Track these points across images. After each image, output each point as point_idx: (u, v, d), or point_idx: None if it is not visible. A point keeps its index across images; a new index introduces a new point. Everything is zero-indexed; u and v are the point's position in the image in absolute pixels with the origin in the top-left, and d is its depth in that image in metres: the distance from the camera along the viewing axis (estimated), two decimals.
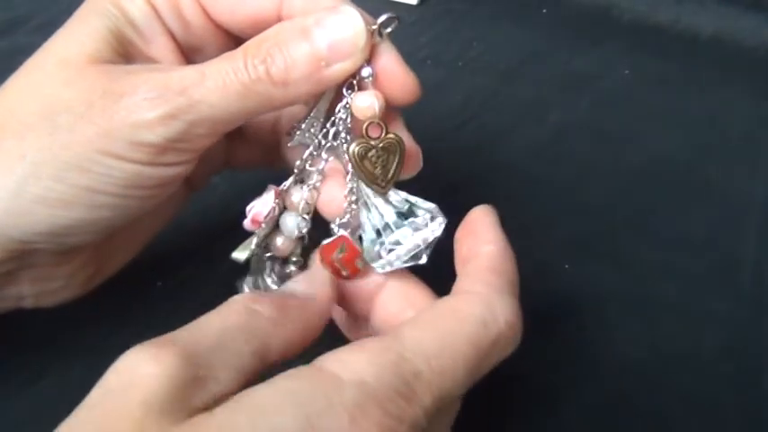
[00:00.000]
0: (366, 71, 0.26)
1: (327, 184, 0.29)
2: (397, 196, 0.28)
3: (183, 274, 0.36)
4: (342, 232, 0.28)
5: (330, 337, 0.24)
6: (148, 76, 0.25)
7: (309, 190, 0.29)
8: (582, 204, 0.42)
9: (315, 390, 0.21)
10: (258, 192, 0.29)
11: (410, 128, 0.29)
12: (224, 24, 0.29)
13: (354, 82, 0.27)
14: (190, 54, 0.29)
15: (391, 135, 0.27)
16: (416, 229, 0.28)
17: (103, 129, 0.24)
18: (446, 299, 0.26)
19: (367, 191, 0.28)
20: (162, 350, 0.21)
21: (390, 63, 0.27)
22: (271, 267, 0.31)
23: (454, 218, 0.29)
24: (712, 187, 0.43)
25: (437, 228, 0.28)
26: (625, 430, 0.33)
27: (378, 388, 0.21)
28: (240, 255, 0.29)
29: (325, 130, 0.28)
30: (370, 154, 0.27)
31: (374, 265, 0.28)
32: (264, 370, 0.23)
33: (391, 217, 0.28)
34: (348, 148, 0.27)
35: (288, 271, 0.31)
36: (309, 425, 0.20)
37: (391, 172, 0.27)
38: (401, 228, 0.28)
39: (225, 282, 0.34)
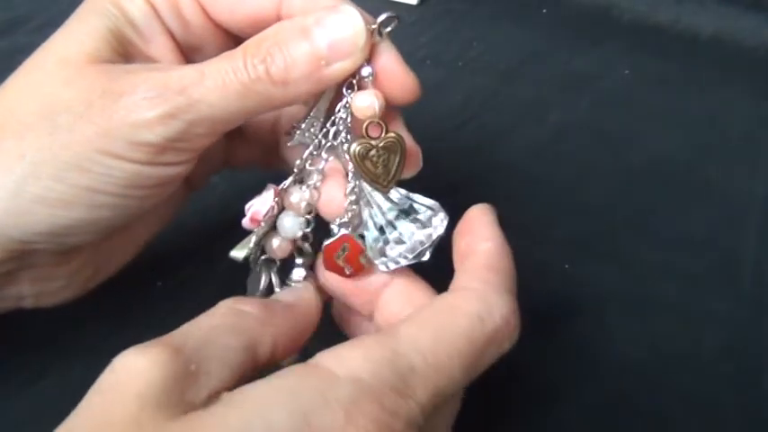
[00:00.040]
0: (366, 70, 0.26)
1: (327, 184, 0.29)
2: (399, 194, 0.28)
3: (183, 274, 0.36)
4: (343, 231, 0.28)
5: (329, 337, 0.24)
6: (148, 76, 0.25)
7: (310, 190, 0.29)
8: (582, 204, 0.42)
9: (310, 386, 0.21)
10: (258, 191, 0.29)
11: (410, 128, 0.29)
12: (223, 24, 0.29)
13: (354, 81, 0.27)
14: (189, 53, 0.29)
15: (392, 134, 0.27)
16: (420, 226, 0.28)
17: (103, 128, 0.24)
18: (443, 296, 0.26)
19: (368, 189, 0.28)
20: (152, 348, 0.21)
21: (390, 62, 0.27)
22: (267, 272, 0.31)
23: (454, 218, 0.29)
24: (712, 187, 0.43)
25: (440, 225, 0.28)
26: (625, 430, 0.33)
27: (373, 384, 0.21)
28: (239, 253, 0.29)
29: (325, 129, 0.28)
30: (371, 154, 0.27)
31: (377, 262, 0.28)
32: (255, 368, 0.23)
33: (394, 214, 0.28)
34: (349, 149, 0.27)
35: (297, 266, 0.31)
36: (305, 421, 0.20)
37: (393, 171, 0.27)
38: (404, 225, 0.28)
39: (225, 282, 0.34)
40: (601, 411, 0.33)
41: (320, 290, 0.30)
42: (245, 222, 0.29)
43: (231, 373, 0.22)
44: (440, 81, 0.49)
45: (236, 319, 0.24)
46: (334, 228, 0.29)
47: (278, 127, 0.32)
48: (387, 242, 0.28)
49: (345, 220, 0.29)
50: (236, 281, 0.31)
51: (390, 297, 0.29)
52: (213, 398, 0.21)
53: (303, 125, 0.28)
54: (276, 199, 0.29)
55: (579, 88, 0.49)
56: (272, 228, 0.30)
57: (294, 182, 0.29)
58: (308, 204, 0.29)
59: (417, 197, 0.28)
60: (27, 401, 0.31)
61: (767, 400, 0.34)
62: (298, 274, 0.30)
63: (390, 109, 0.28)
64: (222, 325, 0.24)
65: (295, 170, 0.29)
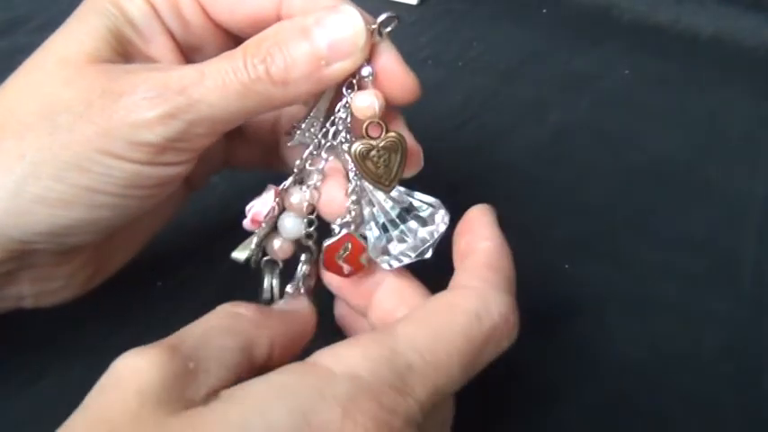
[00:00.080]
0: (366, 70, 0.26)
1: (327, 185, 0.29)
2: (399, 192, 0.28)
3: (182, 274, 0.36)
4: (345, 231, 0.28)
5: (332, 338, 0.24)
6: (147, 76, 0.25)
7: (310, 190, 0.29)
8: (582, 204, 0.42)
9: (308, 383, 0.21)
10: (258, 191, 0.29)
11: (410, 128, 0.29)
12: (223, 24, 0.28)
13: (354, 81, 0.27)
14: (189, 53, 0.29)
15: (392, 133, 0.27)
16: (422, 224, 0.28)
17: (103, 128, 0.24)
18: (441, 294, 0.26)
19: (370, 188, 0.28)
20: (150, 348, 0.22)
21: (390, 62, 0.27)
22: (270, 273, 0.31)
23: (454, 218, 0.29)
24: (712, 187, 0.43)
25: (442, 222, 0.28)
26: (625, 430, 0.33)
27: (371, 382, 0.22)
28: (240, 254, 0.29)
29: (324, 129, 0.28)
30: (371, 154, 0.27)
31: (380, 261, 0.28)
32: (252, 369, 0.23)
33: (396, 212, 0.28)
34: (350, 149, 0.27)
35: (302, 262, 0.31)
36: (303, 418, 0.20)
37: (394, 170, 0.27)
38: (407, 222, 0.28)
39: (225, 282, 0.34)
40: (601, 411, 0.33)
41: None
42: (246, 223, 0.29)
43: (228, 373, 0.22)
44: (440, 81, 0.49)
45: (232, 321, 0.24)
46: (335, 228, 0.29)
47: (278, 127, 0.32)
48: (390, 240, 0.28)
49: (347, 219, 0.29)
50: (237, 281, 0.31)
51: (383, 295, 0.29)
52: (212, 395, 0.21)
53: (303, 125, 0.28)
54: (277, 199, 0.29)
55: (579, 88, 0.49)
56: (273, 229, 0.30)
57: (294, 182, 0.29)
58: (309, 204, 0.29)
59: (418, 195, 0.28)
60: (27, 401, 0.31)
61: (767, 400, 0.34)
62: (302, 271, 0.30)
63: (391, 109, 0.28)
64: (218, 327, 0.24)
65: (295, 170, 0.29)
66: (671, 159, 0.44)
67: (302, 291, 0.30)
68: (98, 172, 0.25)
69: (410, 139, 0.28)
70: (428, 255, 0.28)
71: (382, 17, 0.26)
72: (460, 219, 0.29)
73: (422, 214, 0.28)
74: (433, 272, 0.28)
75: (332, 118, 0.28)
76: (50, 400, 0.30)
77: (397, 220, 0.28)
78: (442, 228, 0.28)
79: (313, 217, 0.29)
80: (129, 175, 0.25)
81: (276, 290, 0.31)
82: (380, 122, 0.27)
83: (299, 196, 0.29)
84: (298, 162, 0.29)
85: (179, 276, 0.36)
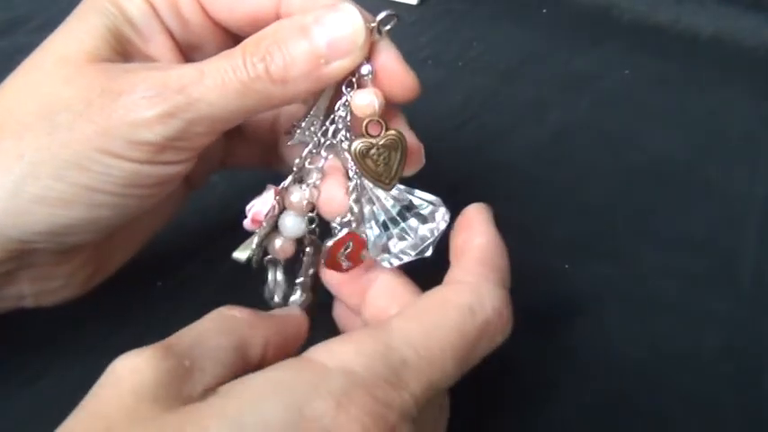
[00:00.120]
0: (365, 69, 0.26)
1: (326, 183, 0.29)
2: (400, 190, 0.28)
3: (182, 274, 0.36)
4: (346, 230, 0.28)
5: (328, 336, 0.24)
6: (147, 75, 0.25)
7: (310, 189, 0.29)
8: (582, 204, 0.42)
9: (303, 378, 0.21)
10: (258, 191, 0.29)
11: (411, 127, 0.29)
12: (222, 22, 0.29)
13: (354, 80, 0.27)
14: (188, 52, 0.29)
15: (392, 131, 0.27)
16: (423, 221, 0.28)
17: (102, 127, 0.24)
18: (435, 289, 0.26)
19: (370, 186, 0.28)
20: (146, 349, 0.22)
21: (390, 60, 0.27)
22: (274, 271, 0.31)
23: (454, 218, 0.29)
24: (712, 187, 0.43)
25: (442, 220, 0.28)
26: (625, 430, 0.33)
27: (366, 377, 0.22)
28: (241, 254, 0.29)
29: (324, 128, 0.28)
30: (371, 152, 0.27)
31: (380, 259, 0.28)
32: (247, 369, 0.23)
33: (396, 210, 0.28)
34: (350, 147, 0.27)
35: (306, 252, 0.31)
36: (299, 412, 0.20)
37: (394, 169, 0.27)
38: (407, 220, 0.28)
39: (225, 282, 0.34)
40: (601, 411, 0.33)
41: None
42: (247, 223, 0.29)
43: (224, 371, 0.23)
44: (440, 81, 0.49)
45: (226, 322, 0.24)
46: (336, 226, 0.29)
47: (277, 126, 0.32)
48: (390, 238, 0.28)
49: (348, 218, 0.28)
50: (237, 281, 0.31)
51: (376, 293, 0.29)
52: (210, 392, 0.22)
53: (303, 124, 0.28)
54: (277, 198, 0.29)
55: (579, 88, 0.49)
56: (274, 228, 0.30)
57: (294, 181, 0.29)
58: (309, 203, 0.29)
59: (418, 193, 0.29)
60: (27, 401, 0.31)
61: (767, 400, 0.34)
62: (307, 264, 0.31)
63: (391, 107, 0.28)
64: (213, 328, 0.24)
65: (294, 169, 0.29)
66: (671, 159, 0.44)
67: (310, 281, 0.31)
68: (97, 171, 0.25)
69: (411, 137, 0.28)
70: (428, 253, 0.28)
71: (381, 15, 0.26)
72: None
73: (422, 212, 0.28)
74: (433, 270, 0.28)
75: (331, 116, 0.28)
76: (50, 400, 0.30)
77: (398, 218, 0.28)
78: (443, 226, 0.28)
79: (313, 215, 0.29)
80: (128, 174, 0.25)
81: (282, 283, 0.31)
82: (380, 121, 0.27)
83: (298, 195, 0.29)
84: (297, 161, 0.29)
85: (179, 276, 0.36)
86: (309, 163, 0.29)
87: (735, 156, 0.45)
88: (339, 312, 0.32)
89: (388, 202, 0.28)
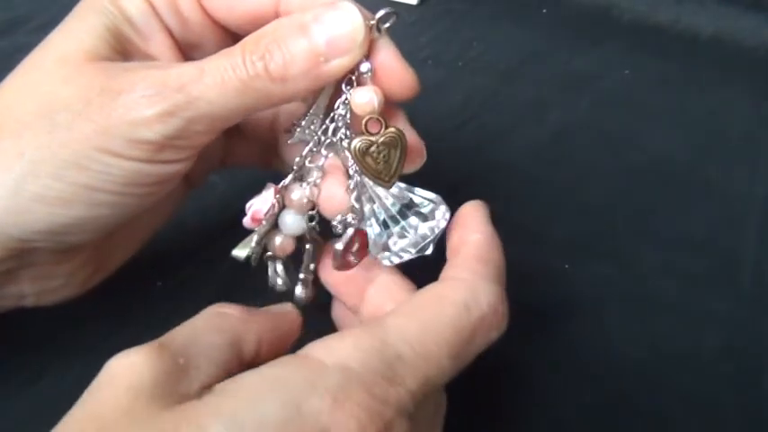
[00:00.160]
0: (365, 66, 0.26)
1: (326, 182, 0.29)
2: (400, 188, 0.28)
3: (182, 274, 0.36)
4: (351, 230, 0.28)
5: (325, 335, 0.24)
6: (146, 74, 0.25)
7: (310, 187, 0.29)
8: (582, 204, 0.42)
9: (300, 375, 0.21)
10: (258, 191, 0.29)
11: (411, 125, 0.29)
12: (222, 21, 0.29)
13: (353, 78, 0.27)
14: (188, 51, 0.29)
15: (391, 129, 0.27)
16: (423, 219, 0.28)
17: (101, 126, 0.24)
18: (431, 286, 0.26)
19: (370, 184, 0.28)
20: (140, 347, 0.22)
21: (389, 58, 0.27)
22: (273, 267, 0.31)
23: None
24: (712, 187, 0.43)
25: (442, 218, 0.28)
26: (625, 430, 0.33)
27: (362, 372, 0.22)
28: (240, 252, 0.29)
29: (324, 126, 0.28)
30: (371, 150, 0.27)
31: (380, 257, 0.28)
32: (242, 365, 0.24)
33: (397, 208, 0.28)
34: (350, 145, 0.27)
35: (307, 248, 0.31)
36: (295, 409, 0.20)
37: (394, 166, 0.27)
38: (407, 218, 0.28)
39: (225, 282, 0.34)
40: (601, 411, 0.33)
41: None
42: (246, 222, 0.29)
43: (218, 369, 0.23)
44: (440, 81, 0.49)
45: (219, 319, 0.25)
46: (337, 225, 0.29)
47: (276, 125, 0.32)
48: (390, 236, 0.28)
49: (349, 217, 0.28)
50: (237, 281, 0.31)
51: (373, 292, 0.29)
52: (206, 390, 0.22)
53: (303, 122, 0.28)
54: (277, 196, 0.29)
55: (579, 88, 0.49)
56: (274, 226, 0.30)
57: (294, 179, 0.29)
58: (309, 201, 0.29)
59: (418, 191, 0.29)
60: (27, 401, 0.31)
61: (767, 400, 0.34)
62: (309, 257, 0.31)
63: (391, 104, 0.28)
64: (206, 325, 0.24)
65: (294, 168, 0.29)
66: (671, 159, 0.44)
67: (312, 276, 0.31)
68: (97, 170, 0.25)
69: (412, 135, 0.28)
70: (429, 251, 0.28)
71: (381, 13, 0.26)
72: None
73: (422, 210, 0.28)
74: (433, 268, 0.28)
75: (331, 115, 0.28)
76: (50, 399, 0.30)
77: (398, 216, 0.28)
78: (443, 224, 0.28)
79: (314, 212, 0.29)
80: (128, 172, 0.25)
81: (282, 274, 0.31)
82: (380, 118, 0.27)
83: (299, 193, 0.29)
84: (297, 159, 0.29)
85: (179, 276, 0.36)
86: (309, 161, 0.29)
87: (735, 156, 0.45)
88: (338, 312, 0.32)
89: (389, 201, 0.28)
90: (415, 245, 0.28)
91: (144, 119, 0.24)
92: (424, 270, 0.28)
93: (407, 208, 0.28)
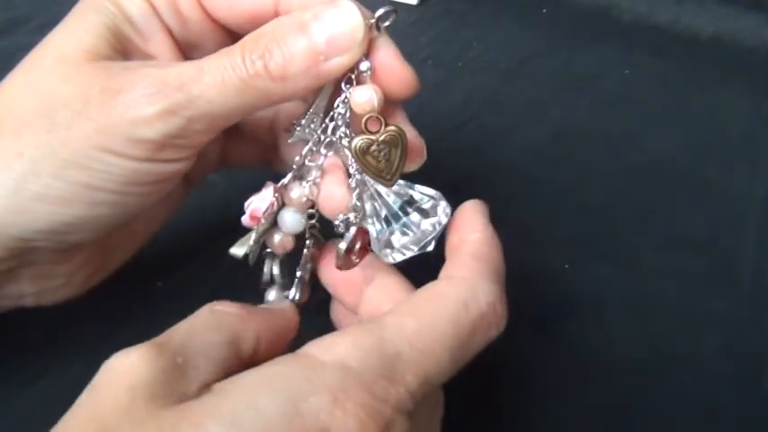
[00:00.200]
0: (364, 65, 0.26)
1: (326, 181, 0.29)
2: (400, 185, 0.28)
3: (182, 274, 0.36)
4: (353, 228, 0.28)
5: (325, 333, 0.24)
6: (146, 72, 0.25)
7: (309, 186, 0.29)
8: (582, 204, 0.42)
9: (298, 373, 0.21)
10: (257, 190, 0.29)
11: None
12: (221, 20, 0.29)
13: (353, 76, 0.27)
14: (187, 50, 0.29)
15: (391, 127, 0.27)
16: (424, 216, 0.28)
17: (101, 125, 0.24)
18: (430, 284, 0.26)
19: (371, 182, 0.28)
20: (138, 347, 0.22)
21: (388, 57, 0.27)
22: (270, 264, 0.31)
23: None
24: (712, 187, 0.43)
25: (443, 214, 0.28)
26: (625, 430, 0.33)
27: (361, 371, 0.22)
28: (238, 250, 0.29)
29: (324, 125, 0.28)
30: (372, 148, 0.27)
31: (382, 255, 0.28)
32: (241, 363, 0.24)
33: (398, 205, 0.28)
34: (350, 144, 0.27)
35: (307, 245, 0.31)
36: (294, 407, 0.20)
37: (395, 164, 0.27)
38: (409, 215, 0.28)
39: (225, 281, 0.34)
40: (601, 411, 0.33)
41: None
42: (245, 220, 0.29)
43: (217, 368, 0.23)
44: (440, 81, 0.49)
45: (217, 318, 0.25)
46: (338, 224, 0.29)
47: (276, 125, 0.32)
48: (392, 233, 0.28)
49: (351, 216, 0.28)
50: (237, 281, 0.31)
51: (372, 291, 0.29)
52: (205, 389, 0.22)
53: (303, 121, 0.28)
54: (276, 195, 0.29)
55: (579, 88, 0.49)
56: (273, 224, 0.30)
57: (293, 178, 0.29)
58: (308, 200, 0.29)
59: (418, 187, 0.29)
60: (27, 401, 0.31)
61: (767, 400, 0.34)
62: (308, 254, 0.31)
63: (390, 103, 0.28)
64: (204, 324, 0.24)
65: (294, 167, 0.29)
66: (671, 159, 0.44)
67: (308, 275, 0.31)
68: (97, 169, 0.25)
69: (412, 133, 0.28)
70: (431, 247, 0.28)
71: (380, 12, 0.26)
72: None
73: (424, 206, 0.28)
74: (433, 267, 0.28)
75: (331, 113, 0.28)
76: (50, 400, 0.30)
77: (400, 213, 0.28)
78: (444, 220, 0.28)
79: (313, 211, 0.30)
80: (128, 171, 0.25)
81: (277, 274, 0.31)
82: (379, 117, 0.27)
83: (298, 191, 0.29)
84: (297, 158, 0.29)
85: (179, 276, 0.36)
86: (309, 160, 0.29)
87: (735, 156, 0.45)
88: (337, 313, 0.32)
89: (390, 198, 0.28)
90: (417, 242, 0.28)
91: (144, 117, 0.24)
92: (423, 270, 0.28)
93: (408, 204, 0.28)
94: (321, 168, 0.29)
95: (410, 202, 0.28)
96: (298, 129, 0.29)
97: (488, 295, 0.25)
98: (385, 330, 0.23)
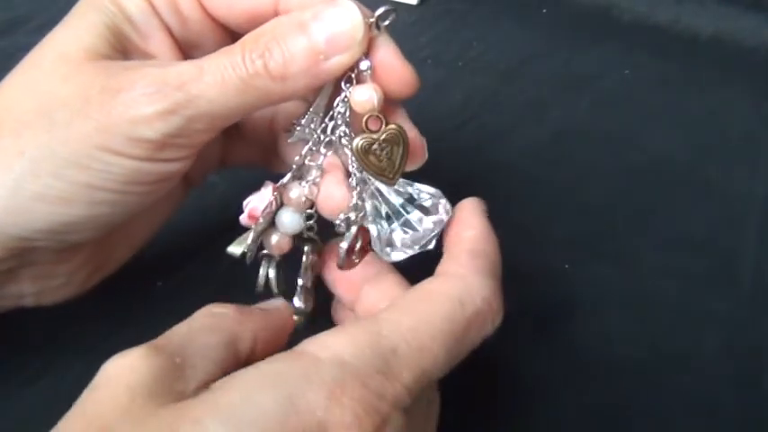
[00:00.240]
0: (364, 64, 0.26)
1: (326, 181, 0.29)
2: (400, 184, 0.28)
3: (182, 274, 0.36)
4: (354, 227, 0.28)
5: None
6: (146, 72, 0.25)
7: (309, 186, 0.29)
8: (582, 204, 0.42)
9: (295, 369, 0.22)
10: (257, 190, 0.29)
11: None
12: (221, 20, 0.29)
13: (352, 75, 0.27)
14: (187, 50, 0.29)
15: (392, 126, 0.27)
16: (425, 213, 0.28)
17: (102, 124, 0.24)
18: (425, 281, 0.26)
19: (372, 181, 0.28)
20: (136, 348, 0.22)
21: (388, 56, 0.27)
22: (266, 266, 0.31)
23: None
24: (712, 187, 0.43)
25: (443, 212, 0.28)
26: (625, 430, 0.33)
27: (357, 366, 0.22)
28: (236, 249, 0.29)
29: (324, 124, 0.28)
30: (373, 147, 0.27)
31: (383, 254, 0.28)
32: (239, 364, 0.24)
33: (399, 203, 0.28)
34: (351, 144, 0.27)
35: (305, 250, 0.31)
36: (290, 402, 0.21)
37: (397, 163, 0.27)
38: (410, 213, 0.28)
39: (225, 281, 0.34)
40: (601, 411, 0.33)
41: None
42: (243, 219, 0.29)
43: (216, 368, 0.23)
44: (440, 81, 0.49)
45: (214, 319, 0.25)
46: (340, 223, 0.29)
47: (275, 125, 0.32)
48: (394, 231, 0.28)
49: (352, 215, 0.28)
50: (237, 280, 0.31)
51: (370, 290, 0.29)
52: (203, 388, 0.22)
53: (303, 121, 0.28)
54: (275, 195, 0.29)
55: (579, 88, 0.49)
56: (271, 224, 0.30)
57: (293, 178, 0.29)
58: (308, 200, 0.29)
59: (418, 185, 0.29)
60: (27, 401, 0.31)
61: (767, 400, 0.34)
62: (308, 262, 0.31)
63: (390, 102, 0.28)
64: (201, 326, 0.24)
65: (294, 166, 0.29)
66: (671, 159, 0.44)
67: (310, 283, 0.31)
68: (97, 169, 0.25)
69: (413, 132, 0.28)
70: (431, 246, 0.28)
71: (380, 11, 0.26)
72: None
73: (425, 204, 0.29)
74: (432, 267, 0.28)
75: (330, 113, 0.28)
76: (50, 400, 0.30)
77: (401, 211, 0.28)
78: (445, 217, 0.28)
79: (312, 211, 0.29)
80: (128, 171, 0.25)
81: (273, 280, 0.31)
82: (380, 116, 0.27)
83: (297, 191, 0.29)
84: (297, 158, 0.29)
85: (179, 276, 0.36)
86: (309, 160, 0.29)
87: (735, 156, 0.45)
88: (338, 312, 0.32)
89: (391, 196, 0.28)
90: (418, 240, 0.28)
91: (144, 117, 0.24)
92: (423, 269, 0.28)
93: (409, 202, 0.29)
94: (321, 168, 0.29)
95: (411, 199, 0.29)
96: (298, 128, 0.29)
97: (483, 291, 0.25)
98: (381, 327, 0.23)
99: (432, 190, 0.29)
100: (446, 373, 0.24)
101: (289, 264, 0.31)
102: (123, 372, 0.21)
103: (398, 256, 0.28)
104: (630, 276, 0.38)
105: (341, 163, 0.29)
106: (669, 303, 0.37)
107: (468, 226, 0.28)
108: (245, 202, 0.29)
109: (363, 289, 0.29)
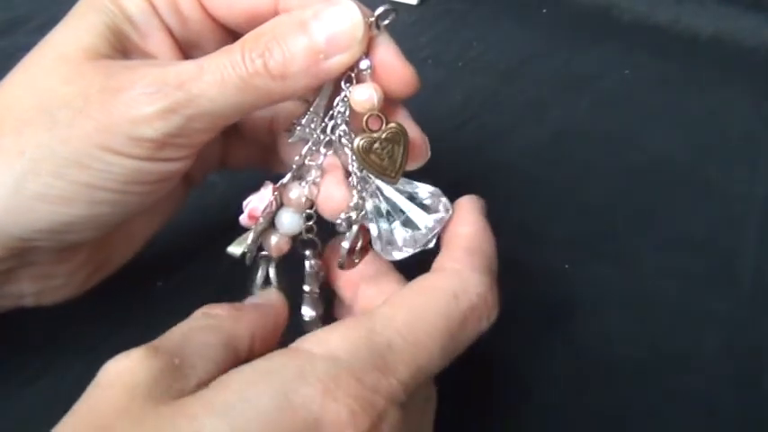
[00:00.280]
0: (364, 63, 0.26)
1: (326, 181, 0.29)
2: (401, 182, 0.28)
3: (182, 274, 0.36)
4: (355, 226, 0.28)
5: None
6: (146, 71, 0.25)
7: (308, 186, 0.29)
8: (582, 204, 0.42)
9: (290, 366, 0.22)
10: (257, 190, 0.29)
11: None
12: (221, 19, 0.28)
13: (352, 75, 0.27)
14: (187, 50, 0.29)
15: (392, 125, 0.27)
16: (426, 212, 0.28)
17: (102, 124, 0.24)
18: (421, 277, 0.26)
19: (372, 180, 0.28)
20: (135, 350, 0.22)
21: (388, 55, 0.27)
22: (265, 268, 0.31)
23: None
24: (712, 187, 0.43)
25: (443, 210, 0.28)
26: (625, 430, 0.33)
27: (352, 361, 0.22)
28: (236, 249, 0.29)
29: (324, 124, 0.28)
30: (374, 146, 0.27)
31: (383, 253, 0.28)
32: (238, 363, 0.24)
33: (400, 201, 0.28)
34: (352, 144, 0.27)
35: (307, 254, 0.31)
36: (286, 398, 0.21)
37: (398, 161, 0.27)
38: (411, 211, 0.28)
39: (225, 282, 0.34)
40: (601, 411, 0.33)
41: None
42: (243, 219, 0.29)
43: (215, 368, 0.23)
44: (440, 81, 0.49)
45: (210, 321, 0.25)
46: (341, 223, 0.29)
47: (275, 125, 0.32)
48: (395, 229, 0.28)
49: (353, 215, 0.28)
50: (237, 280, 0.31)
51: (367, 287, 0.29)
52: (202, 386, 0.22)
53: (303, 121, 0.28)
54: (275, 195, 0.29)
55: (579, 88, 0.49)
56: (270, 225, 0.30)
57: (293, 178, 0.29)
58: (308, 200, 0.29)
59: (419, 184, 0.29)
60: (27, 401, 0.31)
61: (767, 400, 0.34)
62: (312, 267, 0.31)
63: (391, 101, 0.28)
64: (198, 327, 0.24)
65: (294, 166, 0.29)
66: (671, 159, 0.44)
67: (317, 288, 0.31)
68: (98, 168, 0.25)
69: (415, 131, 0.28)
70: (432, 244, 0.28)
71: (380, 10, 0.26)
72: None
73: (425, 202, 0.29)
74: (431, 266, 0.28)
75: (330, 112, 0.28)
76: (50, 400, 0.30)
77: (402, 210, 0.28)
78: (446, 215, 0.29)
79: (311, 212, 0.29)
80: (128, 170, 0.25)
81: (273, 281, 0.31)
82: (380, 115, 0.27)
83: (297, 191, 0.29)
84: (297, 158, 0.29)
85: (179, 276, 0.36)
86: (309, 160, 0.29)
87: (735, 156, 0.45)
88: (339, 311, 0.32)
89: (392, 195, 0.28)
90: (420, 238, 0.28)
91: (144, 116, 0.24)
92: (422, 268, 0.28)
93: (410, 200, 0.29)
94: (321, 168, 0.29)
95: (412, 198, 0.29)
96: (298, 128, 0.29)
97: (479, 286, 0.25)
98: (376, 322, 0.23)
99: (431, 188, 0.29)
100: (442, 368, 0.24)
101: (287, 264, 0.31)
102: (123, 372, 0.21)
103: (400, 254, 0.28)
104: (630, 276, 0.38)
105: (340, 163, 0.29)
106: (669, 303, 0.37)
107: (465, 223, 0.28)
108: (245, 203, 0.29)
109: (361, 287, 0.29)
